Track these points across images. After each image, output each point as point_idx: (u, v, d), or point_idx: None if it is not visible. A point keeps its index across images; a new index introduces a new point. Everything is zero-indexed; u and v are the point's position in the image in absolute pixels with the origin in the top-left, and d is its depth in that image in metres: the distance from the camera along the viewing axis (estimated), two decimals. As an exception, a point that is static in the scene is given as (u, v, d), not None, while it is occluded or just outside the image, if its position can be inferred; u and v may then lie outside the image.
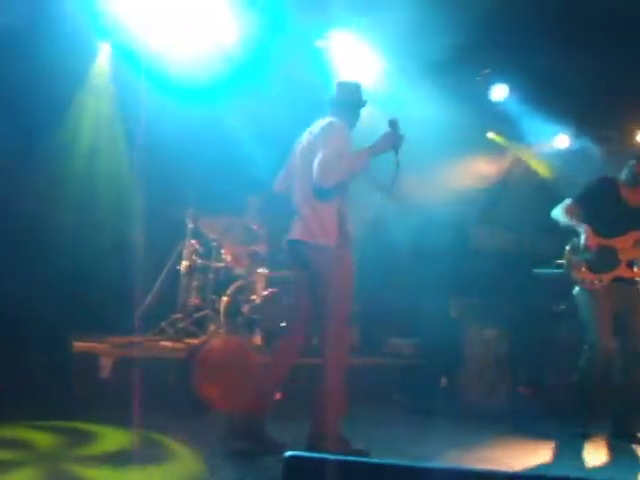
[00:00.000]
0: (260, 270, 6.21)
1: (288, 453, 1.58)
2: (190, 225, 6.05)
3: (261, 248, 6.50)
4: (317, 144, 3.68)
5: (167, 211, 6.11)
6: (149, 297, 6.09)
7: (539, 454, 4.25)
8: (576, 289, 4.87)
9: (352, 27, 6.19)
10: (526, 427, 4.97)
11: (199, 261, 6.13)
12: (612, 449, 4.57)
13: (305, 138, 3.90)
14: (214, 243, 6.20)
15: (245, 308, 5.94)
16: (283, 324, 5.96)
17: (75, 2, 5.42)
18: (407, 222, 6.46)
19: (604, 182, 4.88)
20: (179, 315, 5.93)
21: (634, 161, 4.78)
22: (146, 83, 5.78)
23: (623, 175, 4.82)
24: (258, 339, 6.00)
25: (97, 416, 4.12)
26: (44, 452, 3.44)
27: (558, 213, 4.91)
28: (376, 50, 6.36)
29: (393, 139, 3.74)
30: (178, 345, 5.66)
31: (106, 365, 4.86)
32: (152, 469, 3.29)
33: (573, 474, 1.85)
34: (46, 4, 5.20)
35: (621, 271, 4.69)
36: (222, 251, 6.25)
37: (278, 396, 4.92)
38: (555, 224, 5.06)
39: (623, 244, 4.70)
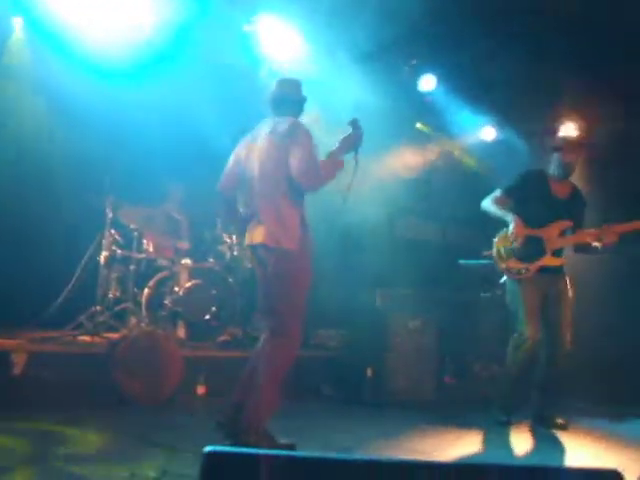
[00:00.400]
0: (184, 261, 6.09)
1: (207, 448, 1.52)
2: (109, 214, 5.89)
3: (184, 238, 6.39)
4: (285, 146, 3.61)
5: (85, 199, 5.92)
6: (66, 289, 5.92)
7: (465, 443, 4.33)
8: (504, 278, 4.99)
9: (280, 12, 6.14)
10: (452, 417, 5.06)
11: (119, 252, 5.99)
12: (533, 435, 4.70)
13: (262, 139, 3.75)
14: (135, 233, 6.05)
15: (168, 300, 5.82)
16: (207, 317, 5.89)
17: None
18: (334, 214, 6.47)
19: (534, 174, 5.01)
20: (98, 308, 5.77)
21: (558, 153, 4.92)
22: (65, 64, 5.58)
23: (551, 169, 4.96)
24: (181, 332, 5.90)
25: (7, 416, 3.94)
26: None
27: (488, 203, 5.01)
28: (304, 36, 6.32)
29: (355, 139, 3.81)
30: (97, 340, 5.53)
31: (19, 362, 4.65)
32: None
33: (497, 462, 1.87)
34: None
35: (547, 260, 4.82)
36: (143, 241, 6.11)
37: (202, 390, 4.86)
38: (479, 215, 5.16)
39: (549, 234, 4.83)
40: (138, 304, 5.88)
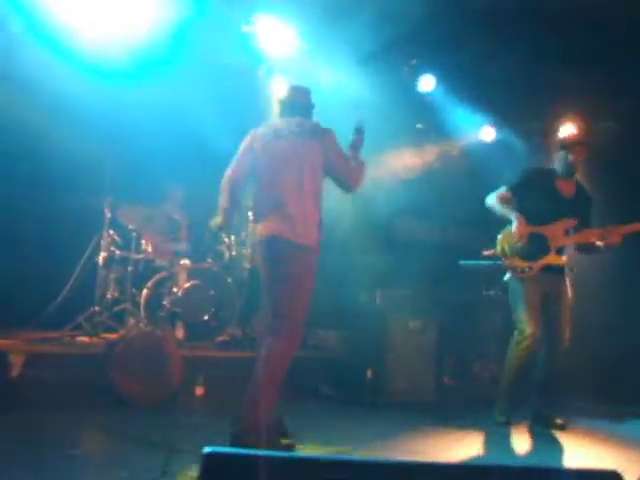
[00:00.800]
0: (182, 262, 6.09)
1: (207, 449, 1.53)
2: (108, 214, 5.89)
3: (183, 239, 6.39)
4: (314, 145, 3.80)
5: (84, 199, 5.91)
6: (65, 290, 5.92)
7: (465, 444, 4.33)
8: (507, 276, 4.99)
9: (278, 12, 6.15)
10: (452, 417, 5.06)
11: (118, 252, 5.99)
12: (532, 436, 4.71)
13: (286, 137, 3.86)
14: (133, 233, 6.04)
15: (166, 301, 5.82)
16: (205, 317, 5.89)
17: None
18: (334, 214, 6.48)
19: (539, 171, 5.02)
20: (97, 309, 5.77)
21: (563, 151, 4.92)
22: (63, 64, 5.57)
23: (556, 167, 4.95)
24: (180, 333, 5.89)
25: (5, 417, 3.94)
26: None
27: (492, 200, 5.01)
28: (303, 36, 6.32)
29: (360, 143, 4.02)
30: (96, 340, 5.53)
31: (16, 363, 4.64)
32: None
33: (497, 463, 1.88)
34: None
35: (551, 259, 4.82)
36: (142, 242, 6.11)
37: (201, 391, 4.86)
38: (479, 215, 5.16)
39: (553, 232, 4.83)
40: (136, 305, 5.87)
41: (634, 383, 5.97)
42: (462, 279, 6.78)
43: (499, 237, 5.01)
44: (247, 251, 6.47)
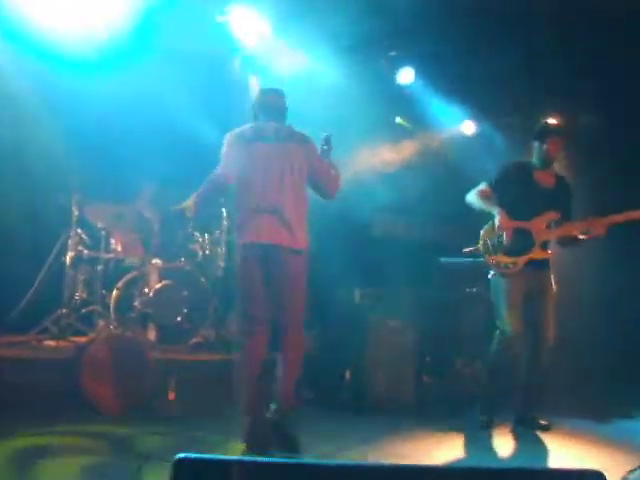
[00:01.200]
0: (154, 261, 6.06)
1: (178, 455, 1.53)
2: (76, 212, 5.83)
3: (155, 237, 6.35)
4: (301, 152, 4.04)
5: (50, 197, 5.86)
6: (30, 292, 5.86)
7: (447, 446, 4.37)
8: (491, 272, 5.00)
9: (253, 2, 6.14)
10: (434, 419, 5.09)
11: (86, 252, 5.94)
12: (515, 437, 4.75)
13: (275, 143, 4.03)
14: (102, 232, 6.00)
15: (137, 302, 5.78)
16: (178, 319, 5.86)
17: None
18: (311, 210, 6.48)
19: (517, 165, 5.05)
20: (64, 311, 5.73)
21: (538, 142, 4.96)
22: (26, 56, 5.51)
23: (533, 159, 5.00)
24: (152, 335, 5.86)
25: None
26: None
27: (472, 197, 5.04)
28: (278, 27, 6.31)
29: (328, 153, 4.25)
30: (63, 344, 5.49)
31: (-21, 368, 4.60)
32: None
33: (479, 465, 1.89)
34: None
35: (536, 253, 4.85)
36: (111, 241, 6.06)
37: (172, 396, 4.84)
38: (460, 212, 5.19)
39: (537, 226, 4.86)
40: (106, 306, 5.83)
41: (618, 383, 6.06)
42: (443, 277, 6.82)
43: (481, 233, 5.04)
44: (221, 250, 6.45)
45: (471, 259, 5.71)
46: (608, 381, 6.17)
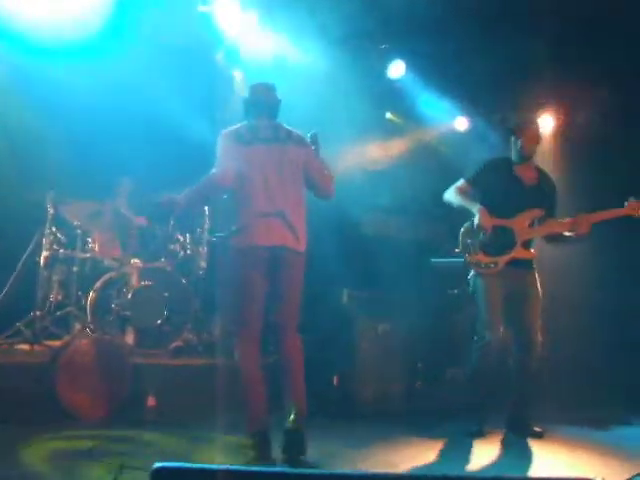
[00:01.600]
0: (133, 261, 6.03)
1: (156, 464, 1.51)
2: (50, 210, 5.79)
3: (134, 236, 6.32)
4: (300, 153, 4.11)
5: (23, 194, 5.81)
6: (1, 293, 5.81)
7: (437, 454, 4.36)
8: (471, 273, 4.98)
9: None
10: (424, 426, 5.09)
11: (61, 251, 5.90)
12: (508, 445, 4.75)
13: (275, 143, 4.08)
14: (79, 231, 5.96)
15: (115, 304, 5.75)
16: (158, 322, 5.83)
17: None
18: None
19: (497, 161, 5.06)
20: (38, 314, 5.69)
21: (514, 137, 4.97)
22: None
23: (512, 154, 5.01)
24: (130, 338, 5.83)
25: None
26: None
27: (451, 194, 5.03)
28: (263, 18, 6.30)
29: (317, 153, 4.25)
30: (37, 348, 5.46)
31: (-52, 373, 4.56)
32: None
33: (471, 474, 1.89)
34: None
35: (518, 252, 4.83)
36: (88, 240, 6.03)
37: (152, 402, 4.82)
38: (452, 210, 5.18)
39: (519, 224, 4.85)
40: (82, 308, 5.81)
41: (613, 388, 6.08)
42: (434, 278, 6.82)
43: (461, 231, 4.99)
44: (203, 249, 6.43)
45: (463, 259, 5.72)
46: (602, 387, 6.19)
